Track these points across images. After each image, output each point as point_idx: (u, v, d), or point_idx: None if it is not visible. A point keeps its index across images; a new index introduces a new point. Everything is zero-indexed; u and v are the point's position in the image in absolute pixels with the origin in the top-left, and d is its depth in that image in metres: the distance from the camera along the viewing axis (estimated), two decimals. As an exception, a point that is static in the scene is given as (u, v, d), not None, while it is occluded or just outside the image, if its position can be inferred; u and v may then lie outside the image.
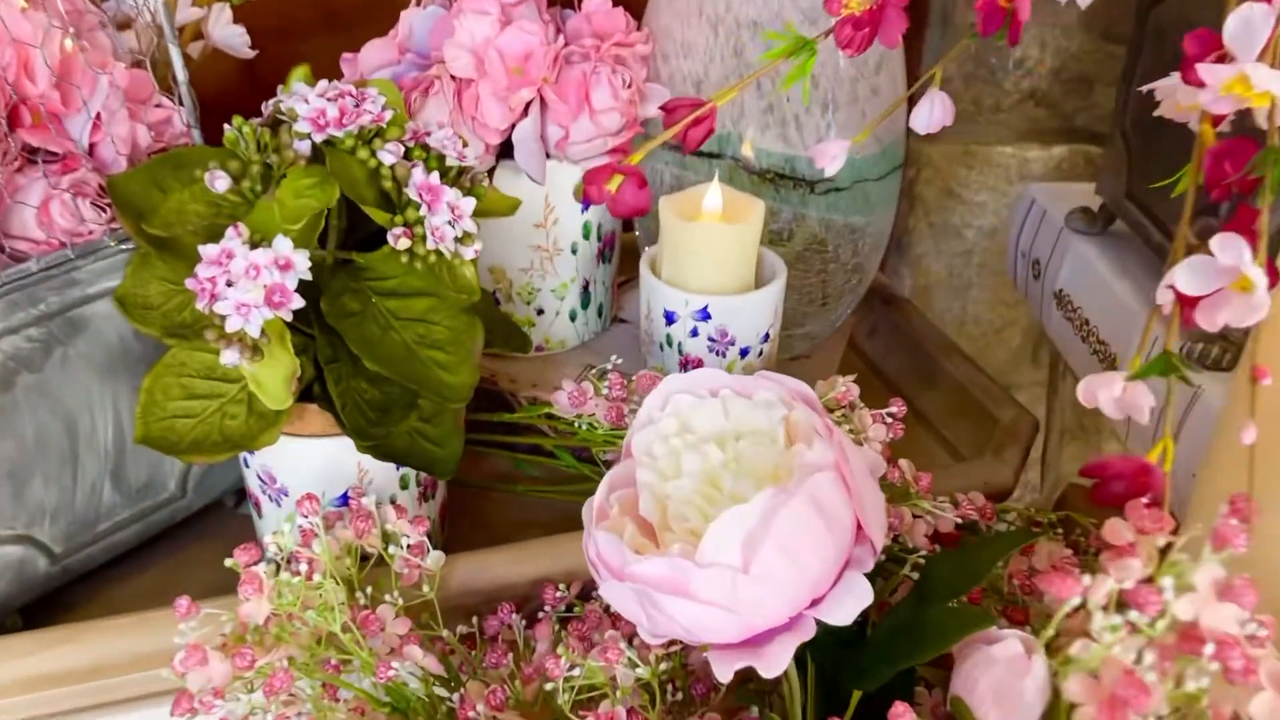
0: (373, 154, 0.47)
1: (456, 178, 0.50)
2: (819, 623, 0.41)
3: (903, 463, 0.55)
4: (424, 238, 0.47)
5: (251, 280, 0.44)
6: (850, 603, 0.41)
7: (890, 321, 0.79)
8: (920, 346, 0.75)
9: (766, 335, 0.61)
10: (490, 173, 0.62)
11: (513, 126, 0.60)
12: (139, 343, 0.54)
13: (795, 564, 0.39)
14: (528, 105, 0.59)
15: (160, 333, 0.51)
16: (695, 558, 0.39)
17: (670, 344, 0.61)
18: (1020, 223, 0.73)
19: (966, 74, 0.98)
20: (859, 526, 0.42)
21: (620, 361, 0.58)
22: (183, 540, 0.61)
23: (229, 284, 0.44)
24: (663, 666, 0.47)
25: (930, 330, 0.76)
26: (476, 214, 0.51)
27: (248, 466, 0.56)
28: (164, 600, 0.50)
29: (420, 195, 0.47)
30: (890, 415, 0.56)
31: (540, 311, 0.68)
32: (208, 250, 0.44)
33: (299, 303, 0.45)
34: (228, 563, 0.46)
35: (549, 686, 0.46)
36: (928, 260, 1.08)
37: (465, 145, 0.52)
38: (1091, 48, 0.99)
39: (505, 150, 0.62)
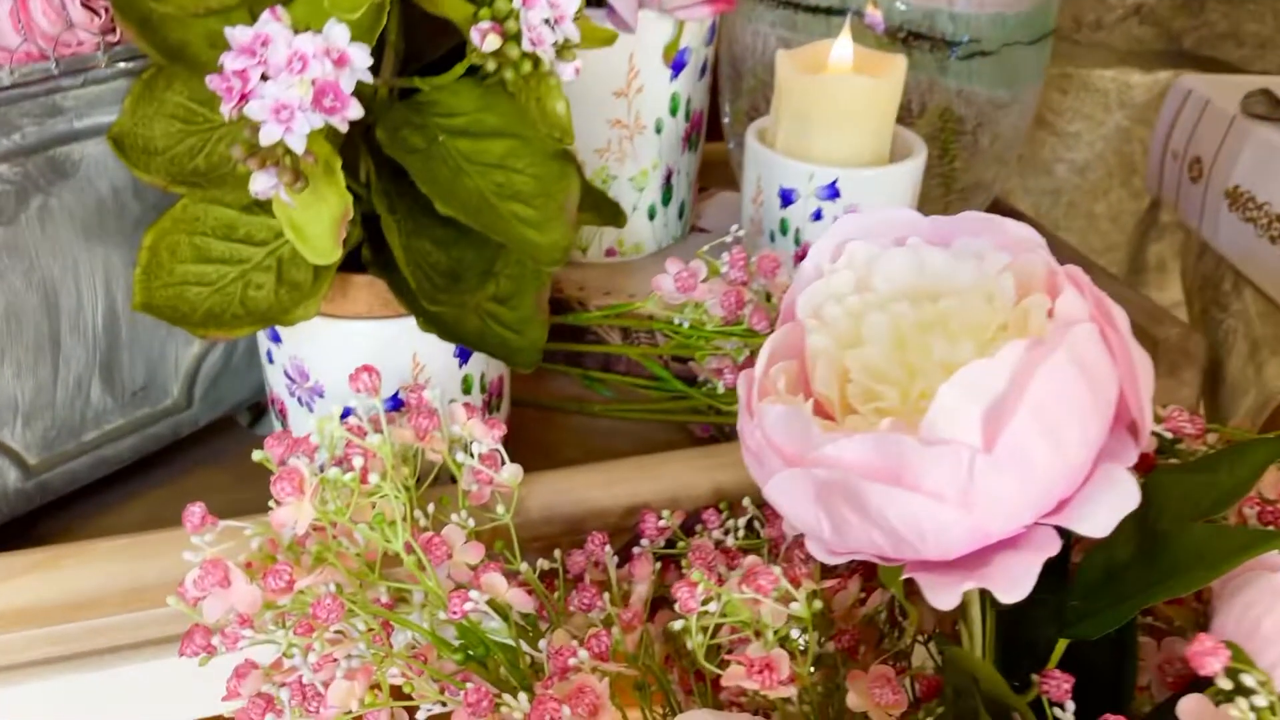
0: (451, -70, 0.36)
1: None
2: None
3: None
4: (518, 37, 0.36)
5: (296, 75, 0.33)
6: (1110, 505, 0.30)
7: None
8: (1049, 263, 0.65)
9: (902, 222, 0.51)
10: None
11: (600, -42, 0.49)
12: (138, 200, 0.43)
13: (1054, 443, 0.29)
14: (620, -70, 0.49)
15: (167, 180, 0.40)
16: (920, 433, 0.28)
17: (785, 231, 0.51)
18: (1171, 120, 0.63)
19: (1068, -18, 0.88)
20: (1121, 402, 0.31)
21: (742, 233, 0.47)
22: (186, 462, 0.50)
23: (265, 78, 0.33)
24: (816, 605, 0.36)
25: (1062, 247, 0.65)
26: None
27: (272, 362, 0.45)
28: (166, 521, 0.39)
29: (513, -17, 0.36)
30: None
31: (616, 205, 0.57)
32: (237, 35, 0.33)
33: (357, 111, 0.34)
34: (256, 456, 0.35)
35: (676, 625, 0.35)
36: (1013, 198, 0.97)
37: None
38: (1206, -43, 0.89)
39: (586, -5, 0.51)
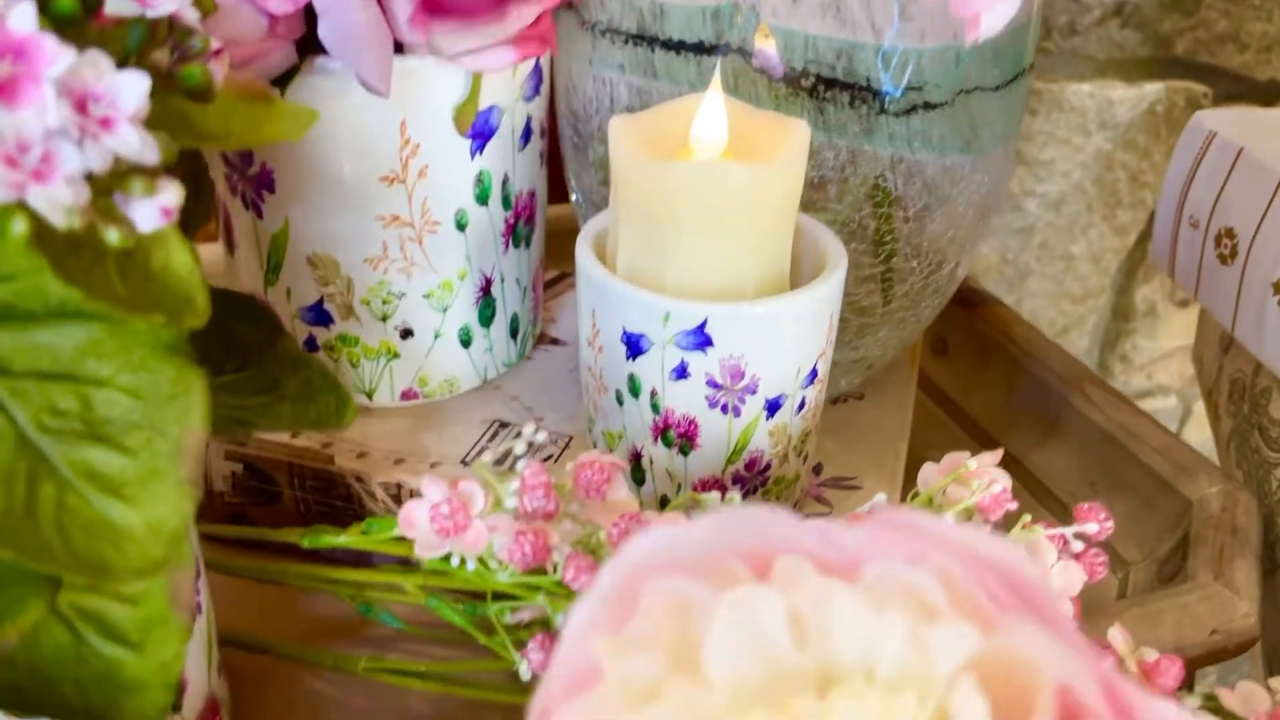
0: None
1: (146, 41, 0.22)
2: None
3: (1116, 636, 0.27)
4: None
5: None
6: None
7: (974, 335, 0.51)
8: (1030, 375, 0.48)
9: (814, 373, 0.33)
10: (286, 79, 0.33)
11: (322, -17, 0.31)
12: None
13: None
14: (348, -62, 0.31)
15: None
16: None
17: (636, 392, 0.33)
18: (1187, 173, 0.46)
19: (1035, -21, 0.71)
20: None
21: (542, 438, 0.30)
22: None
23: None
24: None
25: (1045, 349, 0.48)
26: (198, 138, 0.23)
27: None
28: None
29: (-20, 62, 0.18)
30: (1080, 538, 0.28)
31: (407, 334, 0.40)
32: None
33: None
34: None
35: None
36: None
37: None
38: (1202, -56, 0.72)
39: (312, 37, 0.33)
